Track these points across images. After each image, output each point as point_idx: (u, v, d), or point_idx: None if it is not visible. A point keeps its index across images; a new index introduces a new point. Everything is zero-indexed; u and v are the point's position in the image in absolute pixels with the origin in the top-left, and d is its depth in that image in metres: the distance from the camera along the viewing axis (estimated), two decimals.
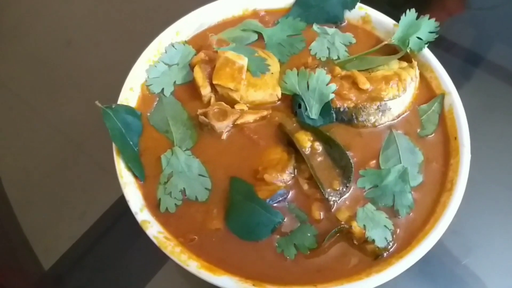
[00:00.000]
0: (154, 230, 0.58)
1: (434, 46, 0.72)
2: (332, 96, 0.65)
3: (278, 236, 0.59)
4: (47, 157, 0.87)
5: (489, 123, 0.87)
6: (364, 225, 0.58)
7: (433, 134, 0.66)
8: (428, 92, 0.70)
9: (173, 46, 0.73)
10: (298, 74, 0.67)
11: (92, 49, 0.99)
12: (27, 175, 0.86)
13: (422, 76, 0.71)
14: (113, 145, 0.62)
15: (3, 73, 0.98)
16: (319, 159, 0.63)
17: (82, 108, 0.90)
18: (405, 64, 0.70)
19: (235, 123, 0.66)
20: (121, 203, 0.77)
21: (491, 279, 0.71)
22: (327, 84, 0.65)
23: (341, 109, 0.66)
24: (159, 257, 0.59)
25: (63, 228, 0.80)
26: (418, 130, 0.67)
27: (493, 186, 0.80)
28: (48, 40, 1.01)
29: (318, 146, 0.63)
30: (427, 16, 0.72)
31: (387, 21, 0.75)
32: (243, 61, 0.67)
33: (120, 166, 0.61)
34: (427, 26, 0.71)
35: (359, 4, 0.76)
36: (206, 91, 0.68)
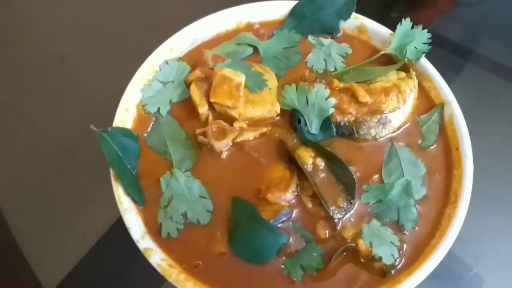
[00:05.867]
0: (157, 257, 0.56)
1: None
2: (332, 110, 0.64)
3: (284, 258, 0.58)
4: (41, 166, 0.86)
5: (484, 120, 0.87)
6: (370, 242, 0.57)
7: (434, 145, 0.66)
8: (427, 102, 0.70)
9: (167, 63, 0.71)
10: (297, 89, 0.66)
11: (85, 65, 0.98)
12: (20, 186, 0.85)
13: (420, 86, 0.70)
14: (111, 170, 0.60)
15: None
16: (322, 175, 0.62)
17: (73, 117, 0.89)
18: (403, 74, 0.69)
19: (235, 141, 0.65)
20: (120, 223, 0.76)
21: None
22: (326, 99, 0.65)
23: (342, 123, 0.65)
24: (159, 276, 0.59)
25: (63, 250, 0.79)
26: (419, 141, 0.66)
27: (499, 191, 0.80)
28: (41, 54, 1.00)
29: (320, 162, 0.63)
30: (421, 26, 0.71)
31: (383, 30, 0.74)
32: (241, 78, 0.66)
33: (119, 192, 0.60)
34: (421, 36, 0.71)
35: (354, 14, 0.75)
36: (203, 109, 0.66)
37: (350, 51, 0.74)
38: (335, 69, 0.72)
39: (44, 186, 0.85)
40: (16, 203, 0.83)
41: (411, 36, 0.71)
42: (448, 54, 1.00)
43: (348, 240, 0.58)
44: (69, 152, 0.89)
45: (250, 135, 0.65)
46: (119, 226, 0.75)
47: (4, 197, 0.84)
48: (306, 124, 0.65)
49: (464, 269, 0.71)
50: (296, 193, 0.61)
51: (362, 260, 0.57)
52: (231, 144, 0.64)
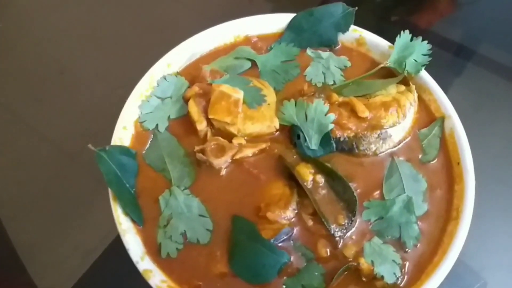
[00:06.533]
0: (156, 279, 0.56)
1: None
2: (331, 126, 0.64)
3: (285, 277, 0.57)
4: (42, 172, 0.86)
5: (486, 121, 0.87)
6: (372, 261, 0.57)
7: (435, 160, 0.65)
8: (427, 116, 0.69)
9: (165, 79, 0.71)
10: (295, 105, 0.65)
11: (85, 74, 0.98)
12: (22, 193, 0.85)
13: (420, 99, 0.70)
14: (109, 190, 0.60)
15: None
16: (322, 192, 0.62)
17: (75, 123, 0.90)
18: (403, 87, 0.69)
19: (234, 158, 0.64)
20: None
21: None
22: (325, 114, 0.64)
23: (341, 139, 0.64)
24: None
25: (64, 263, 0.79)
26: (420, 156, 0.66)
27: (503, 194, 0.79)
28: (43, 61, 1.01)
29: (320, 179, 0.62)
30: (420, 38, 0.70)
31: (382, 43, 0.73)
32: (239, 94, 0.65)
33: (118, 212, 0.59)
34: (420, 48, 0.70)
35: (352, 27, 0.74)
36: (202, 126, 0.66)
37: (349, 64, 0.74)
38: (334, 83, 0.72)
39: (46, 192, 0.84)
40: (17, 210, 0.83)
41: (410, 49, 0.70)
42: (449, 56, 1.00)
43: (350, 259, 0.57)
44: (70, 158, 0.88)
45: (249, 152, 0.65)
46: (119, 240, 0.76)
47: (5, 203, 0.83)
48: (305, 140, 0.65)
49: (466, 283, 0.71)
50: (296, 211, 0.61)
51: (364, 279, 0.57)
52: (230, 161, 0.64)
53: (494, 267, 0.73)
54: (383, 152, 0.65)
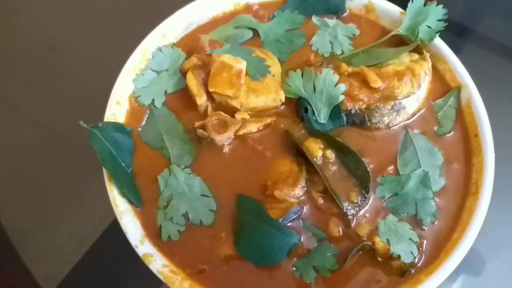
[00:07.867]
0: (158, 264, 0.52)
1: None
2: (342, 97, 0.59)
3: (295, 259, 0.54)
4: (33, 157, 0.82)
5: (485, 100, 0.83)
6: (388, 240, 0.53)
7: (451, 132, 0.62)
8: (442, 86, 0.65)
9: (161, 50, 0.66)
10: (302, 75, 0.61)
11: (75, 52, 0.93)
12: (13, 179, 0.81)
13: (434, 68, 0.65)
14: (104, 170, 0.55)
15: None
16: (333, 168, 0.58)
17: (66, 106, 0.85)
18: (416, 56, 0.64)
19: (237, 134, 0.60)
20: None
21: None
22: (335, 85, 0.60)
23: (352, 111, 0.60)
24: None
25: (59, 249, 0.75)
26: (435, 128, 0.62)
27: None
28: (31, 41, 0.95)
29: (331, 155, 0.58)
30: (434, 2, 0.66)
31: (393, 9, 0.69)
32: (241, 64, 0.60)
33: (114, 193, 0.55)
34: (435, 13, 0.66)
35: None
36: (202, 100, 0.61)
37: (357, 32, 0.69)
38: (343, 52, 0.67)
39: (38, 177, 0.81)
40: (9, 196, 0.80)
41: (423, 14, 0.66)
42: (450, 35, 0.95)
43: (364, 238, 0.54)
44: (62, 142, 0.85)
45: (253, 127, 0.61)
46: (117, 224, 0.72)
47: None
48: (313, 113, 0.60)
49: (483, 262, 0.68)
50: (305, 189, 0.57)
51: (379, 259, 0.54)
52: (233, 137, 0.60)
53: (508, 248, 0.70)
54: (397, 124, 0.62)
